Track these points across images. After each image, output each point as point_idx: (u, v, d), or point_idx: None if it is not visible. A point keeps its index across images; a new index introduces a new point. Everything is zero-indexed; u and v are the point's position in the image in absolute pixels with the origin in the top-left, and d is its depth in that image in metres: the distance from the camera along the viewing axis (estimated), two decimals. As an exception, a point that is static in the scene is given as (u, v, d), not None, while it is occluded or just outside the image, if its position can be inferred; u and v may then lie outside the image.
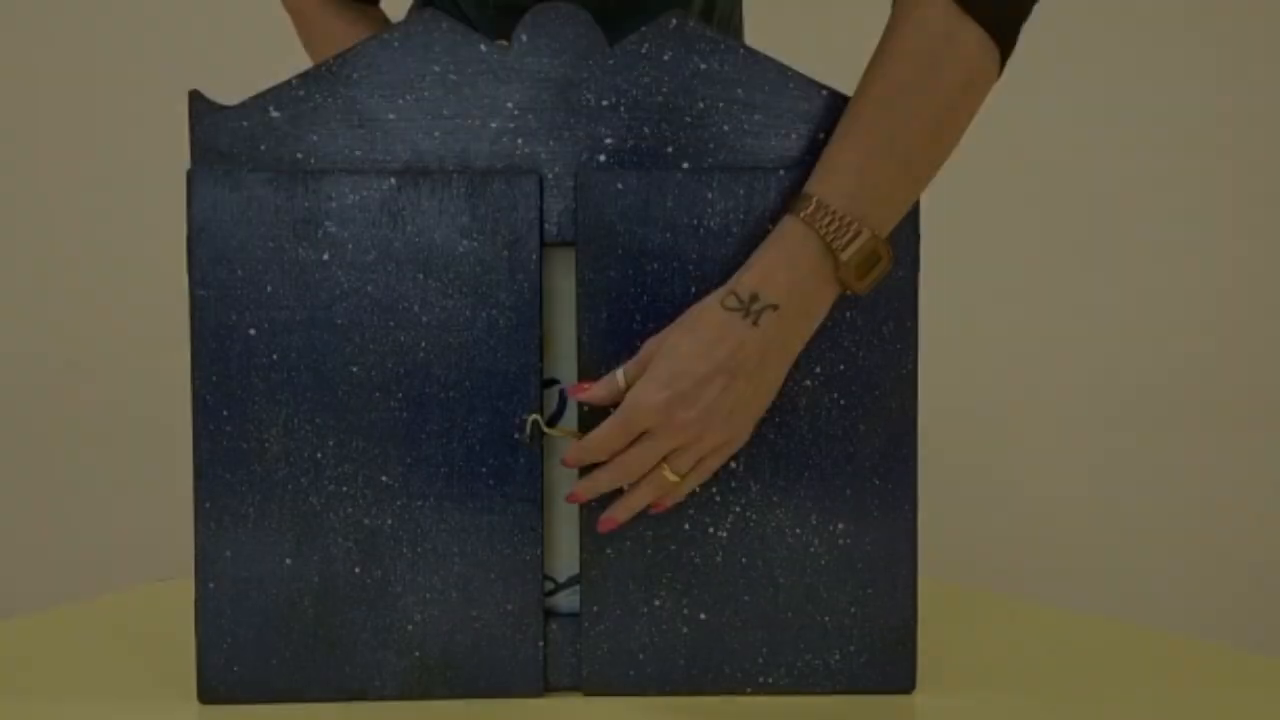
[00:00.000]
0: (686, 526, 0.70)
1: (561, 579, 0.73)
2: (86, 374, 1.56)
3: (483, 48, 0.69)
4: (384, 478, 0.69)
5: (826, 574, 0.71)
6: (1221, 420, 1.63)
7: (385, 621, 0.70)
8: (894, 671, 0.72)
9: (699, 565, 0.71)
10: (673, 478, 0.65)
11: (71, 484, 1.57)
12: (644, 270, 0.69)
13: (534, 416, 0.69)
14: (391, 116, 0.69)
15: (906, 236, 0.69)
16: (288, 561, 0.70)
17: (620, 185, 0.68)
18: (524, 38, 0.69)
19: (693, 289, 0.68)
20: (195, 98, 0.70)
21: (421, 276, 0.69)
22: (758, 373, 0.64)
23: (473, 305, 0.69)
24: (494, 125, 0.69)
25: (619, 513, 0.67)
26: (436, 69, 0.69)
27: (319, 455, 0.69)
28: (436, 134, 0.69)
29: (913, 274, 0.70)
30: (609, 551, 0.70)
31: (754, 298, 0.64)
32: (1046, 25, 1.51)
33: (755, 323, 0.64)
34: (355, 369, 0.69)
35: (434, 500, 0.70)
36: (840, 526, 0.71)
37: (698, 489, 0.70)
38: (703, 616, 0.71)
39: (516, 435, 0.69)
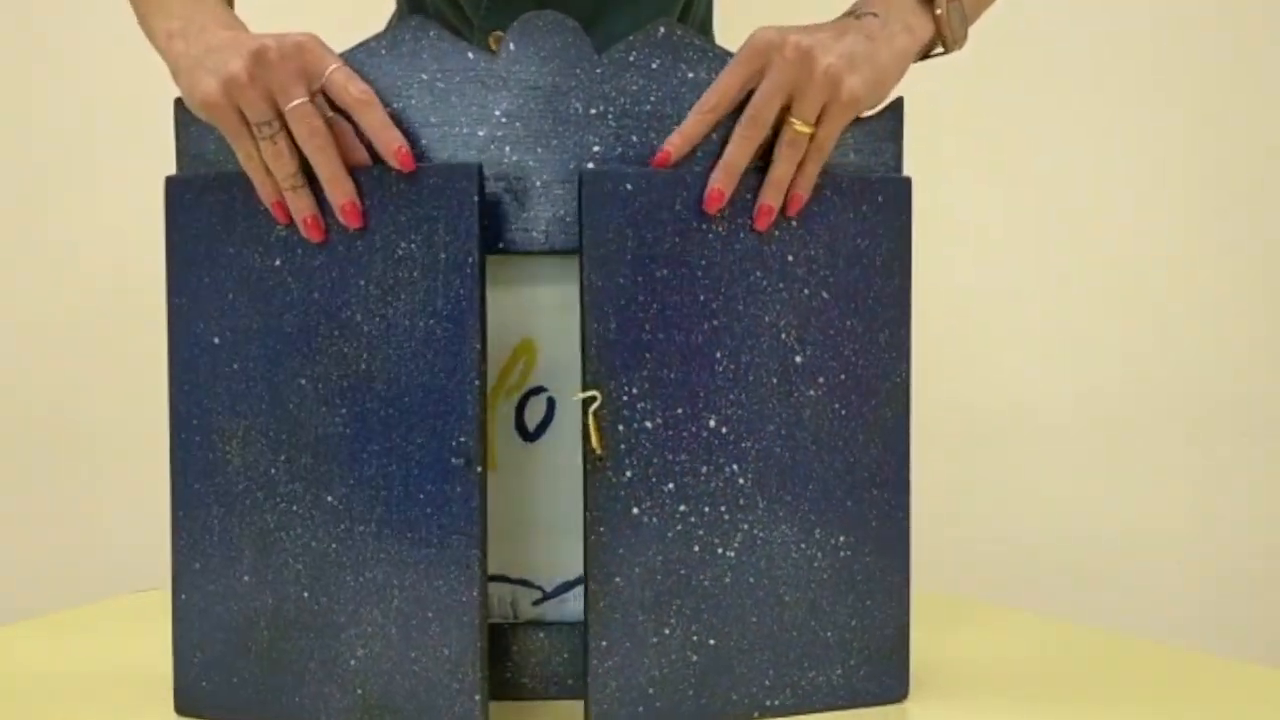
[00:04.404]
0: (696, 549, 0.67)
1: (549, 588, 0.71)
2: (71, 380, 1.53)
3: (470, 55, 0.67)
4: (329, 498, 0.66)
5: (828, 588, 0.70)
6: (1215, 429, 1.60)
7: (331, 653, 0.66)
8: (890, 682, 0.71)
9: (708, 588, 0.67)
10: (803, 128, 0.64)
11: (56, 493, 1.55)
12: (653, 276, 0.65)
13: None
14: None
15: (899, 245, 0.69)
16: (246, 579, 0.67)
17: (629, 186, 0.65)
18: (512, 46, 0.67)
19: (700, 297, 0.66)
20: (180, 106, 0.68)
21: (363, 283, 0.64)
22: (867, 42, 0.66)
23: (411, 313, 0.64)
24: (482, 133, 0.67)
25: (769, 196, 0.66)
26: (424, 77, 0.67)
27: (273, 471, 0.66)
28: (424, 141, 0.67)
29: (905, 282, 0.70)
30: (618, 580, 0.66)
31: (856, 7, 0.71)
32: (1047, 30, 1.55)
33: (858, 18, 0.69)
34: (303, 381, 0.65)
35: (375, 526, 0.65)
36: (842, 539, 0.70)
37: (707, 507, 0.67)
38: (712, 642, 0.68)
39: (454, 460, 0.64)
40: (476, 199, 0.63)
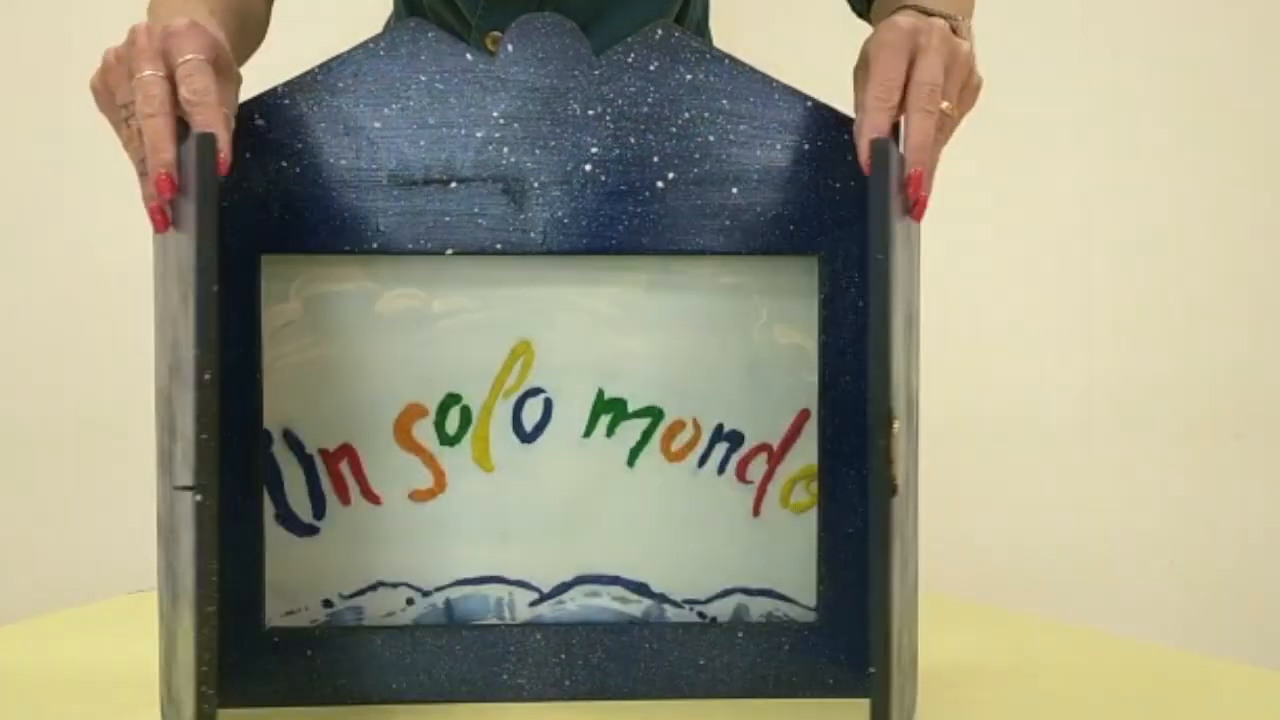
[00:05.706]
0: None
1: (546, 589, 0.71)
2: (71, 380, 1.53)
3: (469, 56, 0.68)
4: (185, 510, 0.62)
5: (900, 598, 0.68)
6: (1215, 429, 1.59)
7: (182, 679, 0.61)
8: (911, 687, 0.71)
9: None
10: (951, 109, 0.64)
11: (56, 493, 1.54)
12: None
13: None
14: (377, 125, 0.68)
15: (914, 246, 0.70)
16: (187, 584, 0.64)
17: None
18: (510, 47, 0.68)
19: (896, 293, 0.60)
20: None
21: (178, 275, 0.61)
22: None
23: (189, 311, 0.58)
24: (480, 134, 0.68)
25: (924, 185, 0.63)
26: (423, 78, 0.68)
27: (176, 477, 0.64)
28: (422, 142, 0.68)
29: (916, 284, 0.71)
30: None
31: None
32: (1050, 31, 1.53)
33: None
34: (176, 385, 0.63)
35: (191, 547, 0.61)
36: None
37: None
38: None
39: (175, 483, 0.59)
40: (210, 184, 0.56)
